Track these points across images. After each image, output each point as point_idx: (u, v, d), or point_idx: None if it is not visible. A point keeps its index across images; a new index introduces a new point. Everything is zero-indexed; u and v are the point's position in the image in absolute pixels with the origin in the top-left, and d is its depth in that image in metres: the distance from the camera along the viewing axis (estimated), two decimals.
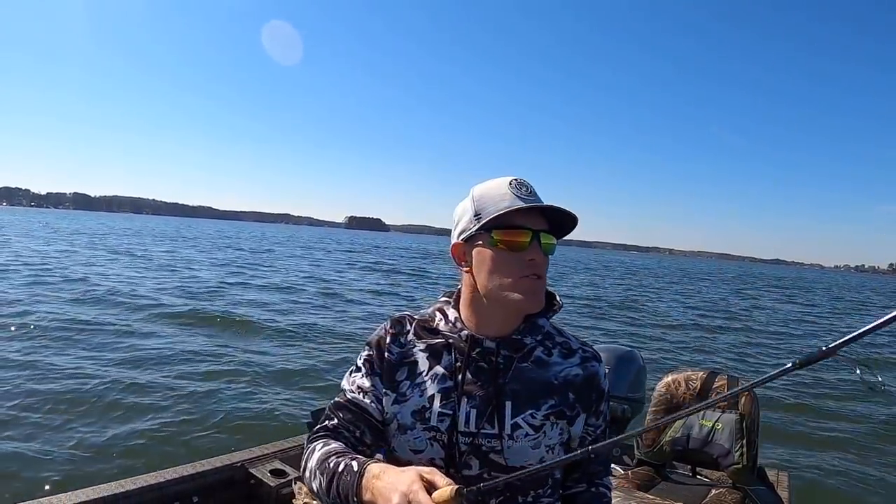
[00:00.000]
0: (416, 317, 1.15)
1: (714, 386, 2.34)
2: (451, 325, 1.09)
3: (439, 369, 1.07)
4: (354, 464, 0.95)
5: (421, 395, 1.06)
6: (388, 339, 1.12)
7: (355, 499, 0.91)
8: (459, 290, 1.13)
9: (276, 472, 2.14)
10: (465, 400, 1.03)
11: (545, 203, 1.02)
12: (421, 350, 1.10)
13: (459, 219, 1.07)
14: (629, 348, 2.90)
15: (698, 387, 2.36)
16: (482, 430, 1.02)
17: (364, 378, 1.11)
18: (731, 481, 2.22)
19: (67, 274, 14.45)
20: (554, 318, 1.15)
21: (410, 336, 1.12)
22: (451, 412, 1.03)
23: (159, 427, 4.68)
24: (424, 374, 1.07)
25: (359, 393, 1.11)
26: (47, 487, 3.61)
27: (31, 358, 6.39)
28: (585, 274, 37.42)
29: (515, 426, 1.02)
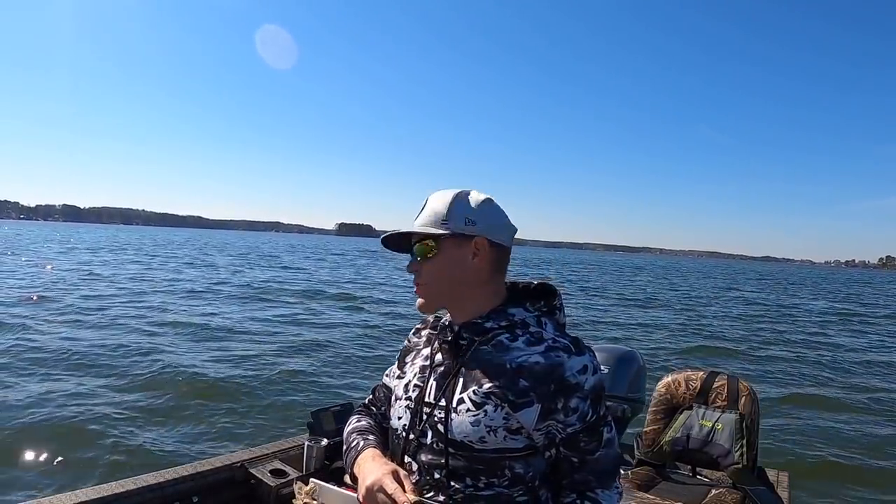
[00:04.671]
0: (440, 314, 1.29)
1: (714, 386, 2.34)
2: (447, 315, 1.23)
3: (427, 351, 1.23)
4: (361, 443, 1.20)
5: (411, 373, 1.22)
6: (411, 333, 1.33)
7: (350, 471, 1.18)
8: None
9: (276, 472, 2.14)
10: (432, 374, 1.17)
11: (414, 223, 1.16)
12: (427, 339, 1.27)
13: None
14: (629, 348, 2.90)
15: (698, 387, 2.36)
16: (438, 403, 1.12)
17: (395, 363, 1.32)
18: (731, 481, 2.22)
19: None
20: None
21: (428, 329, 1.29)
22: (421, 385, 1.17)
23: (159, 427, 4.69)
24: (418, 355, 1.25)
25: (389, 376, 1.33)
26: (47, 487, 3.62)
27: (42, 359, 6.39)
28: (582, 272, 37.41)
29: (460, 401, 1.09)
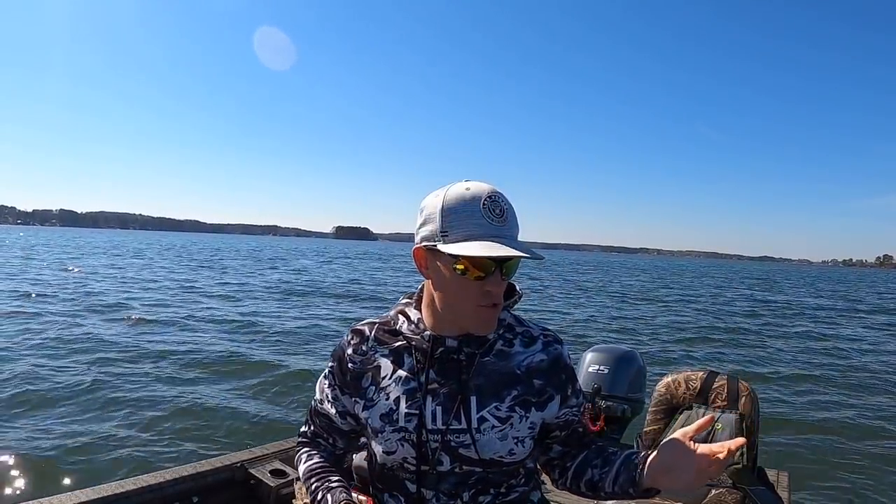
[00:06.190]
0: (377, 322, 1.16)
1: (714, 386, 2.34)
2: (413, 325, 1.09)
3: (402, 372, 1.08)
4: (329, 497, 1.08)
5: (387, 399, 1.08)
6: (349, 350, 1.14)
7: None
8: (422, 290, 1.13)
9: (276, 472, 2.14)
10: (429, 399, 1.05)
11: (516, 236, 0.99)
12: (383, 355, 1.11)
13: (425, 221, 1.01)
14: (629, 349, 2.90)
15: (698, 387, 2.36)
16: (450, 427, 1.04)
17: (329, 388, 1.17)
18: (731, 481, 2.22)
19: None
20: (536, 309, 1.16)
21: (371, 342, 1.13)
22: (417, 412, 1.05)
23: (159, 427, 4.69)
24: (388, 377, 1.09)
25: (326, 402, 1.17)
26: (47, 487, 3.61)
27: (46, 358, 6.39)
28: (579, 273, 37.40)
29: (482, 419, 1.04)
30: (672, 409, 2.37)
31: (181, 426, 4.75)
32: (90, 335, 7.98)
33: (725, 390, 2.32)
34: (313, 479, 1.13)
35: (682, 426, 2.29)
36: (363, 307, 13.53)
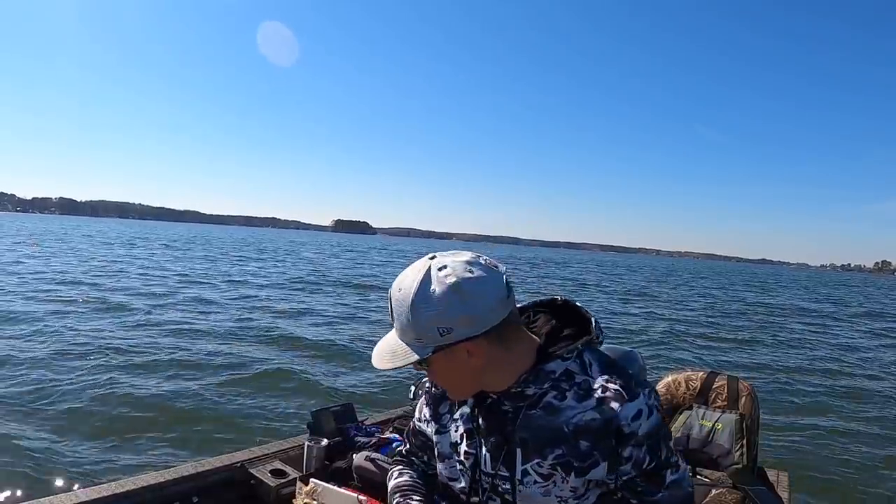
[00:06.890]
0: None
1: (714, 386, 2.34)
2: None
3: (466, 409, 1.13)
4: None
5: (456, 430, 1.14)
6: None
7: None
8: None
9: (276, 472, 2.14)
10: (483, 443, 1.09)
11: (398, 337, 1.00)
12: None
13: None
14: (629, 348, 2.90)
15: (698, 387, 2.36)
16: (498, 473, 1.07)
17: (427, 407, 1.22)
18: (731, 481, 2.22)
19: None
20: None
21: None
22: (474, 452, 1.10)
23: (160, 427, 4.69)
24: (458, 410, 1.15)
25: (423, 422, 1.23)
26: (46, 487, 3.61)
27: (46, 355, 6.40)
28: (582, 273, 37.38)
29: (525, 472, 1.04)
30: (672, 409, 2.37)
31: (181, 425, 4.75)
32: (79, 332, 7.99)
33: (726, 390, 2.32)
34: (397, 496, 1.18)
35: (683, 426, 2.30)
36: (368, 298, 13.53)
